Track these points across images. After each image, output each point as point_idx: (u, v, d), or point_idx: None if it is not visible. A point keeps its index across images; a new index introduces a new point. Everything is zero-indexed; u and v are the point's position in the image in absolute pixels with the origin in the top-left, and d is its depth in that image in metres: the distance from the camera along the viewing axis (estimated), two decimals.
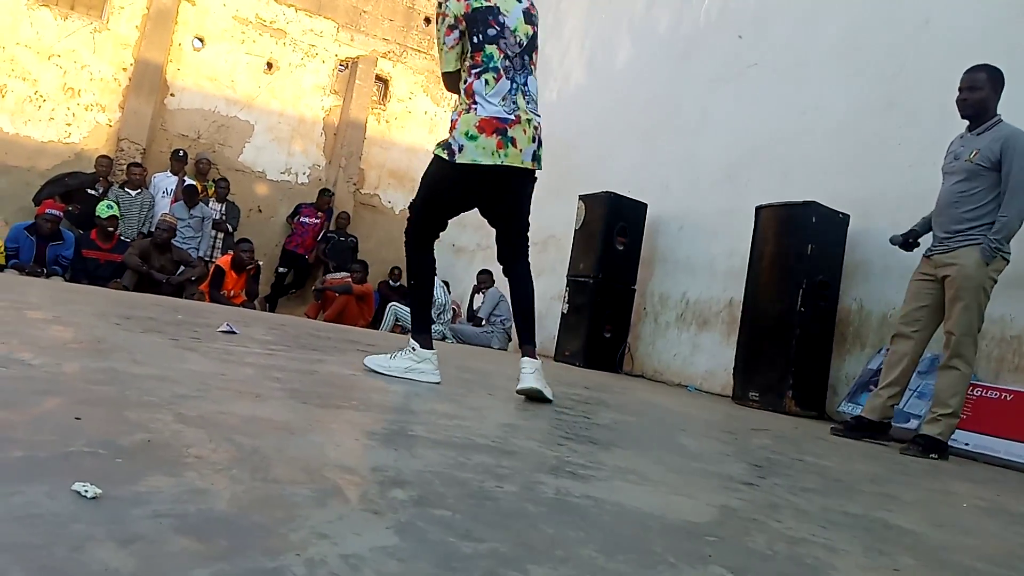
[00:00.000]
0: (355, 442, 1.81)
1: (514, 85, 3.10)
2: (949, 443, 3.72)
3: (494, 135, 3.01)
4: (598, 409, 3.53)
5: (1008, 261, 3.72)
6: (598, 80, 8.83)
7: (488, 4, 3.10)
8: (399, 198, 11.95)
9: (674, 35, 7.71)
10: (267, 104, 10.85)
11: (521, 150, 3.06)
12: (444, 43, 3.11)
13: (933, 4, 5.17)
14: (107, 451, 1.33)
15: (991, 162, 3.68)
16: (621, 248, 6.89)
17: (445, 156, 3.03)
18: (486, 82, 3.07)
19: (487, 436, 2.18)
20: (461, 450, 1.91)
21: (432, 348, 3.24)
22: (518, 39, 3.14)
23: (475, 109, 3.04)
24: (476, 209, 3.34)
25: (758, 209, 5.56)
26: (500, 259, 3.38)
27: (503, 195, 3.21)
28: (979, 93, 3.78)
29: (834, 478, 2.64)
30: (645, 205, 7.04)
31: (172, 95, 10.24)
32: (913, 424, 4.20)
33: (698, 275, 6.69)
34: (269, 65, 10.85)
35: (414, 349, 3.20)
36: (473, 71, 3.08)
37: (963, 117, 3.87)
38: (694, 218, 6.86)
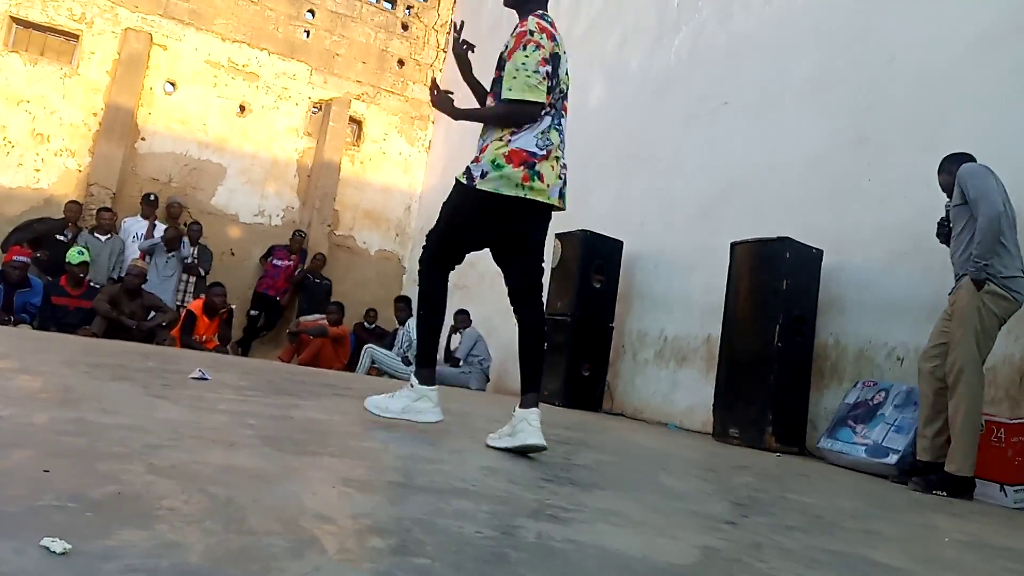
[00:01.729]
0: (332, 490, 1.77)
1: (551, 121, 3.05)
2: None
3: (521, 167, 2.90)
4: (579, 450, 3.51)
5: (1014, 300, 3.76)
6: (572, 120, 8.88)
7: (561, 52, 3.08)
8: (374, 238, 11.95)
9: (646, 75, 7.84)
10: (240, 147, 10.84)
11: (548, 185, 2.94)
12: (537, 72, 2.93)
13: (898, 43, 5.30)
14: (77, 504, 1.30)
15: (960, 197, 3.89)
16: (598, 286, 6.90)
17: (464, 180, 2.93)
18: (548, 125, 3.03)
19: (467, 480, 2.15)
20: (440, 495, 1.87)
21: (433, 384, 3.03)
22: (563, 86, 3.13)
23: (508, 140, 2.94)
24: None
25: (733, 245, 5.60)
26: (514, 299, 3.11)
27: (522, 230, 3.07)
28: (946, 183, 4.11)
29: (816, 515, 2.63)
30: (621, 243, 7.08)
31: (143, 139, 10.20)
32: (892, 459, 4.21)
33: (675, 312, 6.71)
34: (242, 108, 10.87)
35: (412, 386, 3.01)
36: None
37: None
38: (670, 255, 6.90)
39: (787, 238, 5.20)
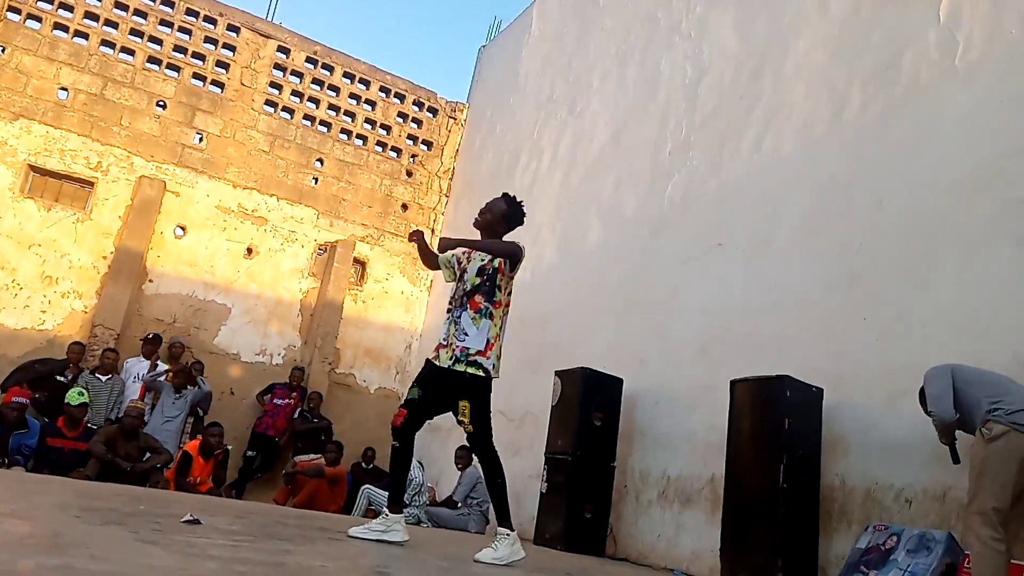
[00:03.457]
0: None
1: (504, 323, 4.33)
2: None
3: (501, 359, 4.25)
4: None
5: (991, 432, 3.73)
6: (570, 260, 9.13)
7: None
8: (374, 376, 11.92)
9: (641, 217, 8.07)
10: (245, 287, 11.02)
11: None
12: (510, 279, 4.30)
13: (884, 187, 5.48)
14: None
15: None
16: (599, 424, 6.81)
17: (483, 374, 4.11)
18: (505, 322, 4.30)
19: None
20: None
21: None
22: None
23: (500, 340, 4.22)
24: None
25: (733, 383, 5.58)
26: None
27: None
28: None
29: None
30: (621, 380, 7.05)
31: (150, 280, 10.38)
32: None
33: (678, 450, 6.60)
34: (249, 251, 11.12)
35: (507, 535, 4.07)
36: (505, 309, 4.29)
37: None
38: (670, 393, 6.87)
39: (787, 376, 5.18)
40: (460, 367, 4.07)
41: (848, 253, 5.59)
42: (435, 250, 4.47)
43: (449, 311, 4.30)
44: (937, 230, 5.01)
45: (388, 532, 4.10)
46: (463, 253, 4.42)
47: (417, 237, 4.43)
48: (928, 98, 5.42)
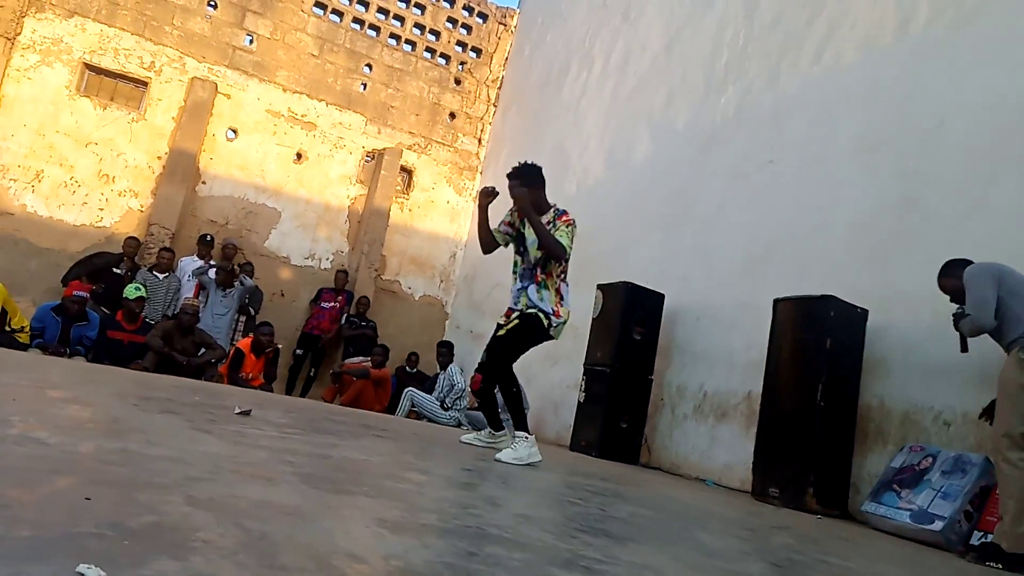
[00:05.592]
0: (365, 529, 1.80)
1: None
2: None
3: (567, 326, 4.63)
4: (614, 501, 3.48)
5: None
6: (617, 173, 9.00)
7: None
8: (419, 284, 12.09)
9: (692, 132, 7.88)
10: (295, 192, 11.14)
11: None
12: (568, 245, 4.53)
13: (947, 107, 5.26)
14: (115, 532, 1.34)
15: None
16: (638, 338, 6.87)
17: (545, 323, 4.49)
18: (567, 289, 4.65)
19: (500, 526, 2.15)
20: (472, 540, 1.88)
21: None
22: None
23: (564, 305, 4.60)
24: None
25: (776, 302, 5.55)
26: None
27: None
28: (955, 288, 4.09)
29: None
30: (662, 296, 7.06)
31: (203, 183, 10.55)
32: (937, 525, 4.08)
33: (716, 367, 6.64)
34: (299, 155, 11.19)
35: (526, 438, 4.40)
36: (563, 278, 4.62)
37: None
38: (712, 310, 6.86)
39: (831, 296, 5.13)
40: (529, 310, 4.52)
41: (904, 173, 5.42)
42: (516, 195, 4.55)
43: (516, 277, 4.68)
44: (999, 153, 4.81)
45: (497, 443, 4.77)
46: (511, 217, 4.72)
47: (490, 197, 4.71)
48: (1001, 12, 5.11)
